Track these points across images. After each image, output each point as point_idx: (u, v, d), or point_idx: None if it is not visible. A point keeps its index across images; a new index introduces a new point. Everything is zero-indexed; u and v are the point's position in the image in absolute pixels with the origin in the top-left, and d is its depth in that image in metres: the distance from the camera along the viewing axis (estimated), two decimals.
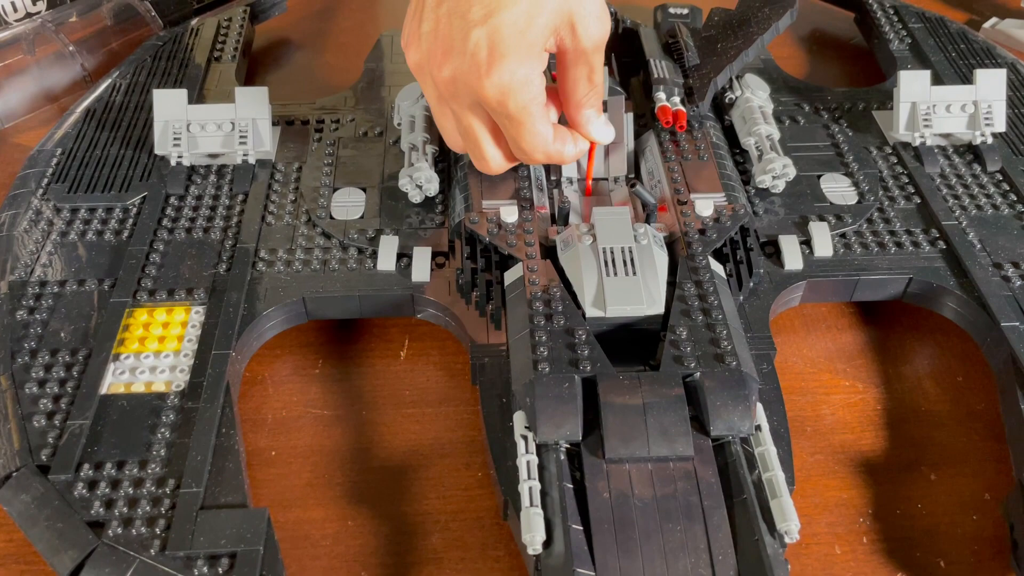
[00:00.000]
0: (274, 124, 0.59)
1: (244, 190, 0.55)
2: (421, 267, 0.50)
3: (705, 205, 0.50)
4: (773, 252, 0.51)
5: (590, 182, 0.54)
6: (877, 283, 0.50)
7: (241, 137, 0.55)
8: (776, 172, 0.53)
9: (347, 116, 0.60)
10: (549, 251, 0.49)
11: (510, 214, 0.50)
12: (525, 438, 0.40)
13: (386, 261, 0.50)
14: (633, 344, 0.45)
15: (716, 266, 0.48)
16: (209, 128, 0.55)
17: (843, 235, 0.52)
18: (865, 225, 0.53)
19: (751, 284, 0.49)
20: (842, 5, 0.74)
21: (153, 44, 0.67)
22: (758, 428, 0.41)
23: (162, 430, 0.42)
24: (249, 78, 0.69)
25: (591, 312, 0.44)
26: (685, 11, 0.69)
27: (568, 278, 0.46)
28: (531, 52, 0.44)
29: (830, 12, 0.75)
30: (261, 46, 0.72)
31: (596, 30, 0.46)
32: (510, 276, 0.47)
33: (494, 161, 0.49)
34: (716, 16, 0.62)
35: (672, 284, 0.46)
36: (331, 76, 0.69)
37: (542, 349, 0.42)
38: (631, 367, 0.44)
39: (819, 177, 0.56)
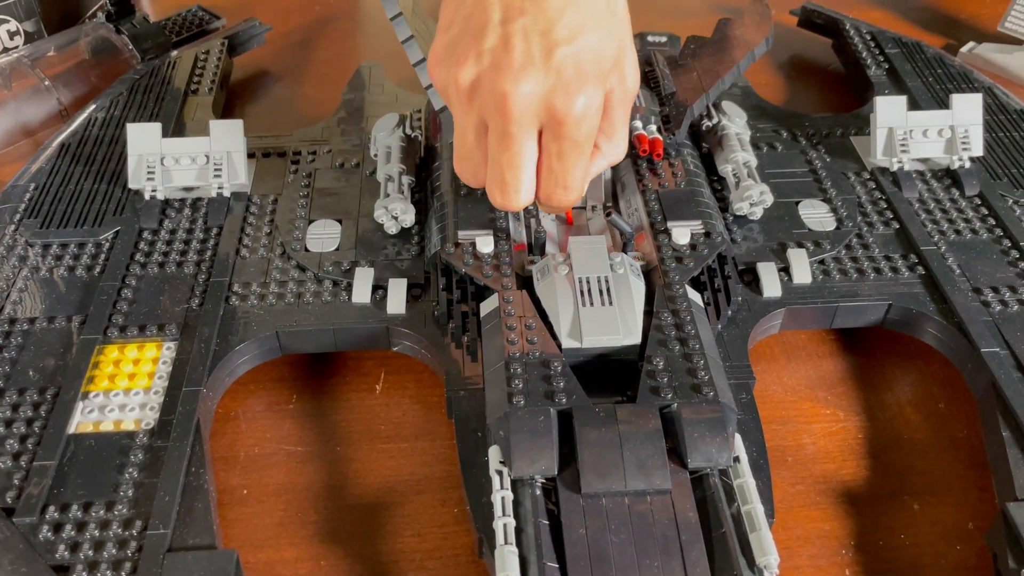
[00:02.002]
0: (250, 156, 0.59)
1: (218, 223, 0.54)
2: (397, 299, 0.49)
3: (682, 233, 0.50)
4: (751, 279, 0.51)
5: (570, 214, 0.54)
6: (857, 310, 0.50)
7: (216, 170, 0.55)
8: (754, 199, 0.53)
9: (324, 147, 0.60)
10: (526, 281, 0.48)
11: (486, 244, 0.49)
12: (500, 473, 0.40)
13: (361, 293, 0.49)
14: (610, 374, 0.45)
15: (693, 295, 0.48)
16: (183, 161, 0.55)
17: (822, 261, 0.52)
18: (844, 251, 0.53)
19: (729, 312, 0.49)
20: (820, 31, 0.74)
21: (130, 78, 0.66)
22: (736, 460, 0.40)
23: (130, 470, 0.41)
24: (227, 110, 0.68)
25: (567, 343, 0.44)
26: (663, 39, 0.70)
27: (544, 308, 0.46)
28: (602, 81, 0.42)
29: (808, 38, 0.76)
30: (239, 78, 0.72)
31: (635, 77, 0.46)
32: (486, 307, 0.47)
33: (525, 192, 0.44)
34: (692, 44, 0.62)
35: (649, 313, 0.46)
36: (310, 108, 0.68)
37: (517, 382, 0.42)
38: (608, 398, 0.43)
39: (797, 203, 0.56)
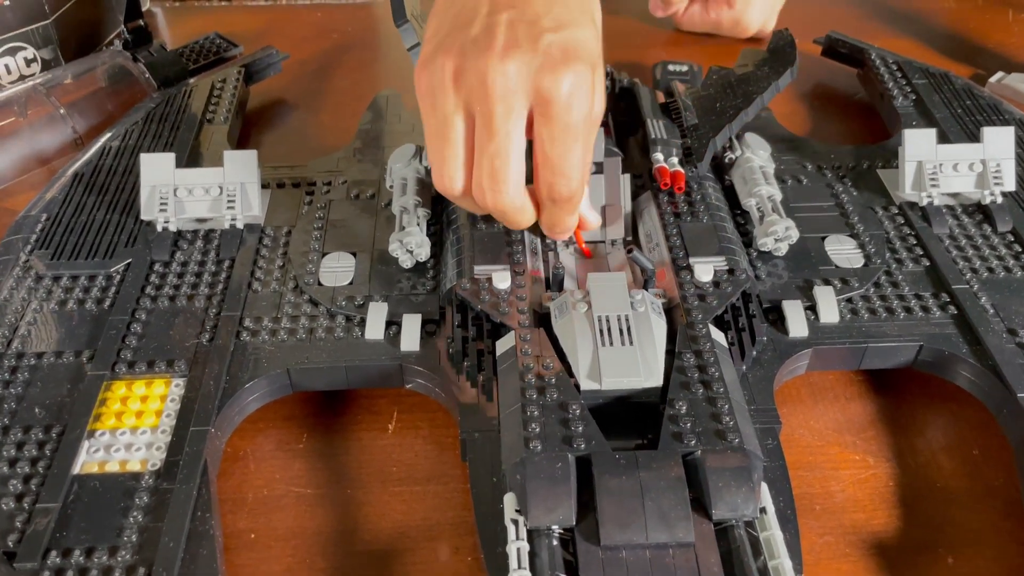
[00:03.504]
0: (264, 187, 0.58)
1: (231, 256, 0.53)
2: (411, 335, 0.48)
3: (705, 270, 0.49)
4: (776, 318, 0.49)
5: (584, 245, 0.52)
6: (886, 351, 0.48)
7: (229, 201, 0.54)
8: (778, 234, 0.52)
9: (339, 178, 0.59)
10: (543, 319, 0.47)
11: (502, 280, 0.48)
12: (515, 522, 0.38)
13: (375, 329, 0.48)
14: (630, 417, 0.43)
15: (717, 334, 0.46)
16: (197, 192, 0.54)
17: (849, 300, 0.50)
18: (872, 289, 0.51)
19: (754, 353, 0.47)
20: (845, 61, 0.73)
21: (146, 106, 0.66)
22: (763, 511, 0.39)
23: (135, 513, 0.40)
24: (243, 139, 0.68)
25: (586, 385, 0.42)
26: (684, 68, 0.69)
27: (563, 348, 0.44)
28: (591, 65, 0.42)
29: (833, 68, 0.74)
30: (255, 107, 0.72)
31: (602, 100, 0.44)
32: (502, 345, 0.46)
33: (514, 184, 0.43)
34: (715, 74, 0.60)
35: (671, 353, 0.44)
36: (326, 137, 0.68)
37: (534, 425, 0.40)
38: (629, 441, 0.42)
39: (823, 239, 0.54)
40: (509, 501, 0.39)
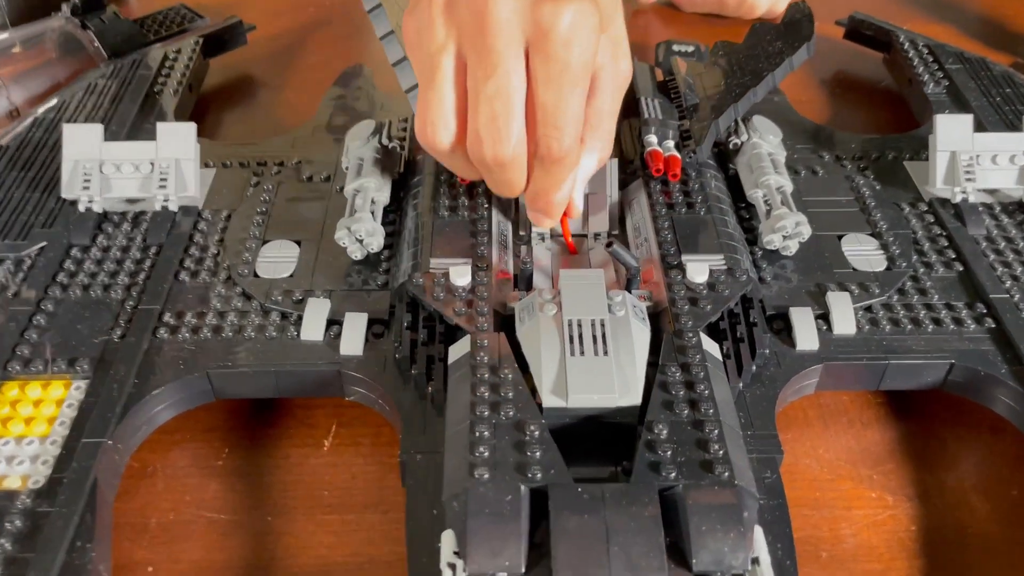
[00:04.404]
0: (208, 166, 0.52)
1: (159, 241, 0.47)
2: (353, 337, 0.41)
3: (699, 269, 0.42)
4: (782, 328, 0.42)
5: (570, 239, 0.46)
6: (911, 369, 0.41)
7: (161, 180, 0.48)
8: (788, 231, 0.44)
9: (293, 159, 0.53)
10: (507, 322, 0.40)
11: (461, 275, 0.41)
12: (453, 567, 0.31)
13: (312, 329, 0.42)
14: (602, 442, 0.36)
15: (710, 345, 0.39)
16: (125, 169, 0.48)
17: (869, 308, 0.43)
18: (896, 297, 0.44)
19: (754, 368, 0.40)
20: (870, 44, 0.66)
21: (89, 77, 0.60)
22: (755, 561, 0.31)
23: (2, 541, 0.33)
24: (198, 117, 0.61)
25: (549, 401, 0.36)
26: (690, 48, 0.62)
27: (525, 357, 0.38)
28: (596, 5, 0.37)
29: (856, 52, 0.67)
30: (217, 82, 0.65)
31: (628, 62, 0.42)
32: (455, 352, 0.39)
33: (517, 131, 0.38)
34: (721, 50, 0.54)
35: (654, 366, 0.37)
36: (289, 115, 0.61)
37: (482, 449, 0.33)
38: (599, 469, 0.35)
39: (840, 237, 0.47)
40: (447, 540, 0.32)
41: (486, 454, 0.33)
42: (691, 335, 0.39)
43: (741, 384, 0.39)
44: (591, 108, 0.41)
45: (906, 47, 0.62)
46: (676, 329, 0.39)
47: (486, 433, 0.34)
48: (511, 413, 0.35)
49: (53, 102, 0.57)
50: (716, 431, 0.34)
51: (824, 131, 0.56)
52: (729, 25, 0.72)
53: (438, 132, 0.39)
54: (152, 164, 0.48)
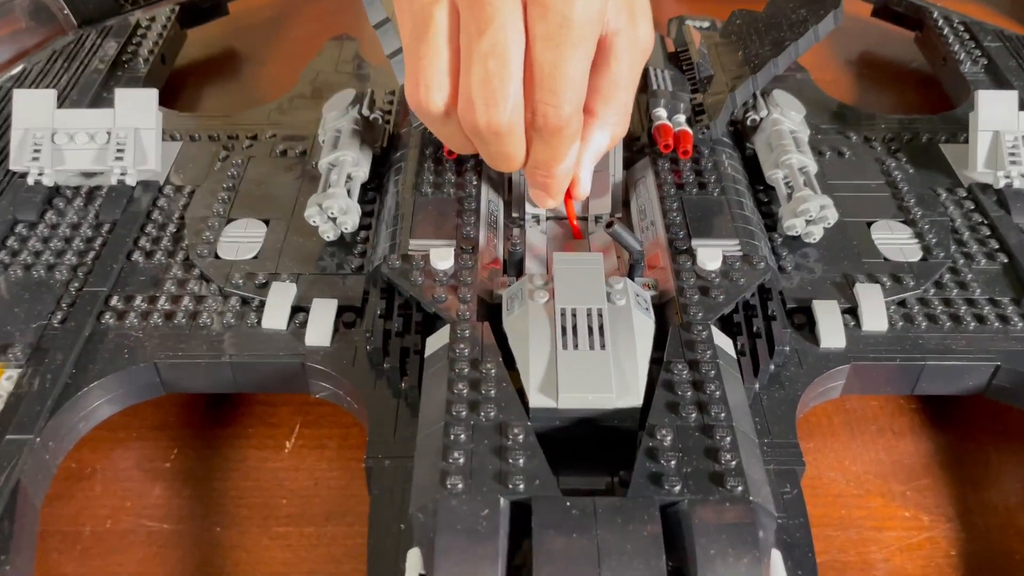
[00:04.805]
0: (173, 139, 0.47)
1: (113, 218, 0.42)
2: (320, 326, 0.36)
3: (711, 255, 0.37)
4: (805, 323, 0.37)
5: (575, 222, 0.41)
6: (950, 371, 0.36)
7: (118, 151, 0.43)
8: (811, 215, 0.40)
9: (267, 132, 0.48)
10: (493, 311, 0.36)
11: (443, 258, 0.37)
12: None
13: (275, 316, 0.37)
14: (597, 448, 0.32)
15: (722, 340, 0.34)
16: (79, 139, 0.43)
17: (903, 303, 0.38)
18: (933, 290, 0.39)
19: (772, 367, 0.35)
20: (900, 23, 0.61)
21: (55, 45, 0.55)
22: None
23: None
24: (171, 90, 0.57)
25: (536, 400, 0.31)
26: (706, 24, 0.57)
27: (512, 350, 0.33)
28: None
29: (885, 31, 0.62)
30: (196, 55, 0.61)
31: (648, 27, 0.37)
32: (433, 343, 0.34)
33: (514, 91, 0.33)
34: (738, 18, 0.49)
35: (658, 363, 0.33)
36: (271, 89, 0.56)
37: (457, 454, 0.29)
38: (592, 480, 0.30)
39: (870, 224, 0.42)
40: (413, 559, 0.27)
41: (461, 460, 0.29)
42: (701, 328, 0.34)
43: (757, 385, 0.35)
44: (604, 78, 0.36)
45: (940, 24, 0.57)
46: (684, 321, 0.34)
47: (462, 436, 0.30)
48: (492, 414, 0.30)
49: (16, 71, 0.53)
50: (728, 438, 0.30)
51: (851, 110, 0.51)
52: (746, 4, 0.67)
53: (432, 92, 0.35)
54: (109, 134, 0.43)
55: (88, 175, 0.44)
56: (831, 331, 0.37)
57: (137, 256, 0.40)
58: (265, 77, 0.59)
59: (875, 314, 0.37)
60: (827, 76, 0.58)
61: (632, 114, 0.46)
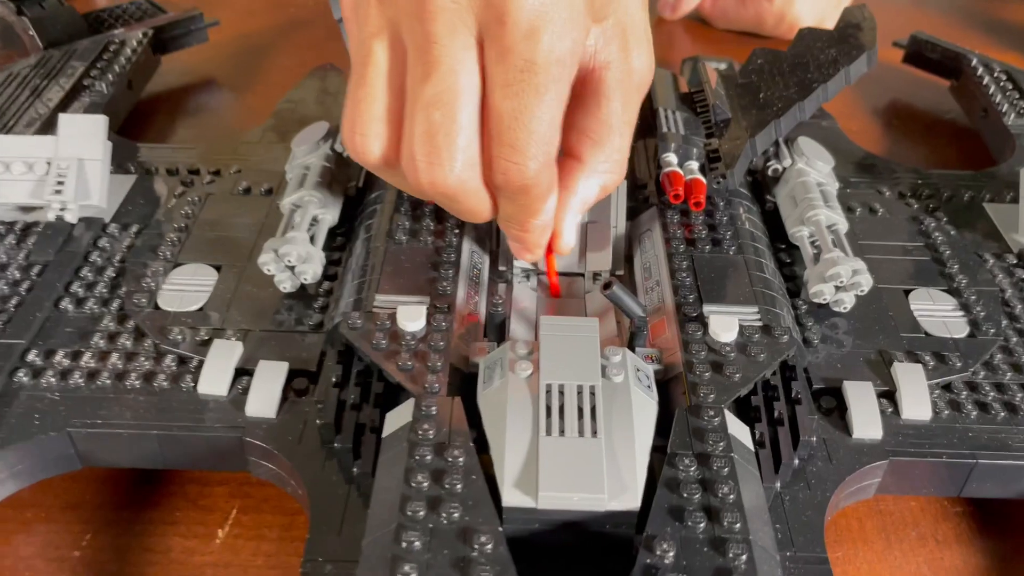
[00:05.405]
0: (126, 172, 0.43)
1: (45, 259, 0.37)
2: (265, 393, 0.31)
3: (726, 324, 0.32)
4: (834, 408, 0.32)
5: (554, 278, 0.36)
6: (1005, 471, 0.31)
7: (58, 183, 0.38)
8: (842, 280, 0.34)
9: (231, 167, 0.43)
10: (469, 382, 0.30)
11: (412, 318, 0.31)
12: None
13: (213, 380, 0.32)
14: (583, 560, 0.26)
15: (738, 428, 0.29)
16: (16, 168, 0.39)
17: (948, 387, 0.33)
18: (983, 373, 0.33)
19: (796, 462, 0.30)
20: (934, 69, 0.56)
21: (11, 67, 0.51)
22: None
23: None
24: (144, 120, 0.53)
25: (511, 499, 0.25)
26: (723, 66, 0.52)
27: (485, 433, 0.28)
28: (574, 9, 0.27)
29: (917, 79, 0.57)
30: (171, 83, 0.57)
31: (646, 58, 0.31)
32: (393, 421, 0.29)
33: (463, 147, 0.28)
34: (760, 57, 0.44)
35: (660, 453, 0.27)
36: (248, 120, 0.52)
37: (408, 569, 0.23)
38: None
39: (907, 293, 0.37)
40: None
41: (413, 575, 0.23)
42: (713, 413, 0.29)
43: (779, 484, 0.29)
44: (593, 117, 0.31)
45: (979, 72, 0.53)
46: (693, 404, 0.29)
47: (417, 544, 0.24)
48: (456, 515, 0.25)
49: None
50: (744, 556, 0.24)
51: (883, 162, 0.46)
52: (766, 44, 0.63)
53: (368, 141, 0.30)
54: (49, 164, 0.39)
55: (26, 209, 0.39)
56: (865, 419, 0.31)
57: (66, 303, 0.35)
58: (244, 107, 0.55)
59: (917, 400, 0.32)
60: (854, 126, 0.53)
61: (638, 159, 0.41)
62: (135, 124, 0.52)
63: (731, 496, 0.26)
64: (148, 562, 0.30)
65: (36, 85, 0.48)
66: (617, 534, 0.26)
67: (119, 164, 0.43)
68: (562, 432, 0.27)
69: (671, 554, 0.24)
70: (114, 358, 0.33)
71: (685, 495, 0.26)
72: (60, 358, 0.33)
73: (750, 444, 0.29)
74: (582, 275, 0.37)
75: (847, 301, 0.35)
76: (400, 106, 0.29)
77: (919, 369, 0.33)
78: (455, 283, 0.33)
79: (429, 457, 0.27)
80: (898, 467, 0.31)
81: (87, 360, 0.33)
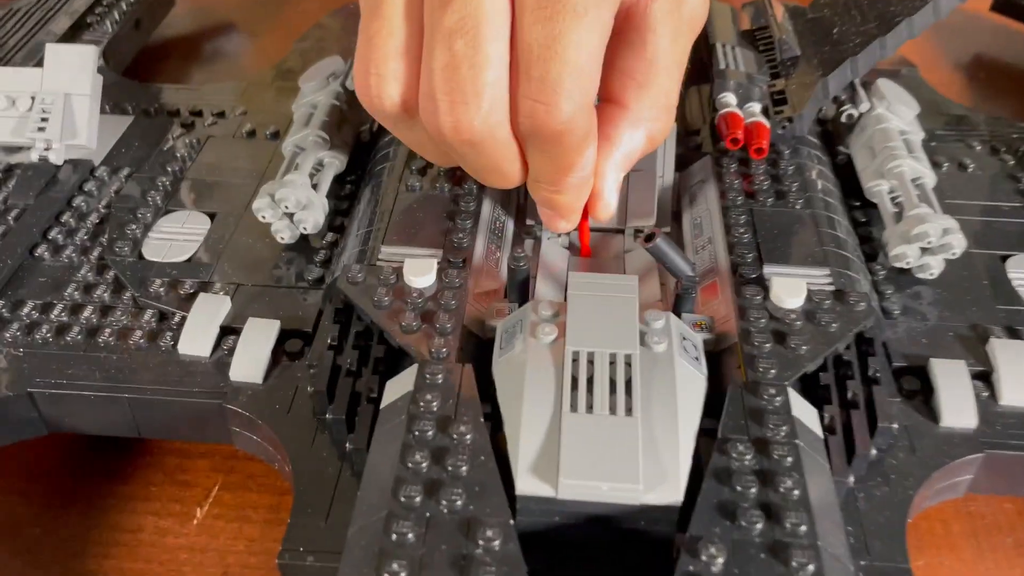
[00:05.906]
0: (124, 112, 0.39)
1: (25, 202, 0.34)
2: (251, 355, 0.27)
3: (791, 288, 0.27)
4: (918, 390, 0.27)
5: (586, 238, 0.31)
6: None
7: (41, 120, 0.35)
8: (930, 240, 0.29)
9: (237, 108, 0.39)
10: (485, 349, 0.26)
11: (421, 272, 0.27)
12: None
13: (195, 338, 0.28)
14: (612, 562, 0.22)
15: (804, 411, 0.24)
16: None
17: None
18: None
19: (873, 452, 0.25)
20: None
21: (17, 4, 0.47)
22: None
23: None
24: (155, 64, 0.49)
25: (527, 487, 0.21)
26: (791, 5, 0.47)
27: (500, 407, 0.23)
28: None
29: (1007, 30, 0.51)
30: (185, 27, 0.53)
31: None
32: (393, 390, 0.25)
33: (491, 83, 0.24)
34: None
35: (709, 436, 0.23)
36: (261, 64, 0.48)
37: (397, 567, 0.19)
38: None
39: (1005, 259, 0.31)
40: None
41: (402, 574, 0.19)
42: (774, 392, 0.24)
43: (852, 478, 0.24)
44: (639, 57, 0.26)
45: None
46: (750, 380, 0.24)
47: (410, 536, 0.20)
48: (459, 503, 0.21)
49: None
50: (811, 564, 0.20)
51: (972, 113, 0.40)
52: None
53: (384, 83, 0.25)
54: (32, 99, 0.35)
55: (9, 150, 0.36)
56: (957, 404, 0.26)
57: (43, 251, 0.32)
58: (258, 52, 0.51)
59: (1019, 382, 0.27)
60: (935, 78, 0.47)
61: (691, 103, 0.36)
62: (145, 68, 0.48)
63: (795, 491, 0.21)
64: (115, 542, 0.26)
65: (38, 20, 0.45)
66: (654, 533, 0.21)
67: (116, 104, 0.39)
68: (590, 409, 0.22)
69: (719, 560, 0.20)
70: (87, 312, 0.29)
71: (739, 489, 0.21)
72: (28, 310, 0.29)
73: (818, 430, 0.24)
74: (621, 231, 0.32)
75: (935, 266, 0.30)
76: (419, 42, 0.25)
77: (1021, 347, 0.28)
78: (473, 235, 0.29)
79: (431, 433, 0.22)
80: (994, 462, 0.26)
81: (57, 313, 0.29)
